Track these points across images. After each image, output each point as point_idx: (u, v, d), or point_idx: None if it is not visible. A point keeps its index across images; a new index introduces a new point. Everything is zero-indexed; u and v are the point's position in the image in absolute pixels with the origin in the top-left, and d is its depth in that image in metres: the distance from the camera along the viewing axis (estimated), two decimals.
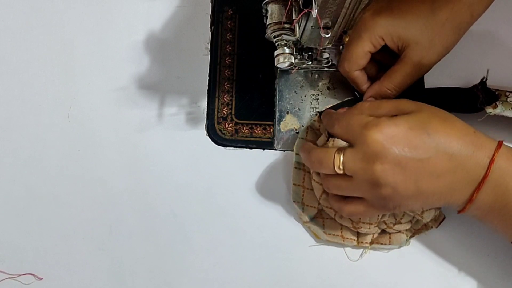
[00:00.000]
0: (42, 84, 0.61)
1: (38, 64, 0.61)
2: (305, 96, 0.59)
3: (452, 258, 0.55)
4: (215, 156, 0.58)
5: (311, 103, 0.59)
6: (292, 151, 0.57)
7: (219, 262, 0.56)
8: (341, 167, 0.47)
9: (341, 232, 0.55)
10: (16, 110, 0.60)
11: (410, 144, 0.45)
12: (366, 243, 0.55)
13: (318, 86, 0.59)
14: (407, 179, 0.46)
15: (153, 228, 0.57)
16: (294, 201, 0.56)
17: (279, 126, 0.59)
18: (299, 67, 0.59)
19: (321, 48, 0.54)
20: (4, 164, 0.59)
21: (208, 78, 0.60)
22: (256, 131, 0.59)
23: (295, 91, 0.59)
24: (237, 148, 0.59)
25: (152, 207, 0.57)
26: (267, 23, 0.49)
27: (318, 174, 0.53)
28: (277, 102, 0.59)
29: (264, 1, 0.49)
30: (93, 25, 0.62)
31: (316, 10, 0.45)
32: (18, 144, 0.59)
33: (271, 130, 0.59)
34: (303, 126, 0.58)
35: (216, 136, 0.59)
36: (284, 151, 0.58)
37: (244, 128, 0.59)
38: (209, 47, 0.61)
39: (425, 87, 0.58)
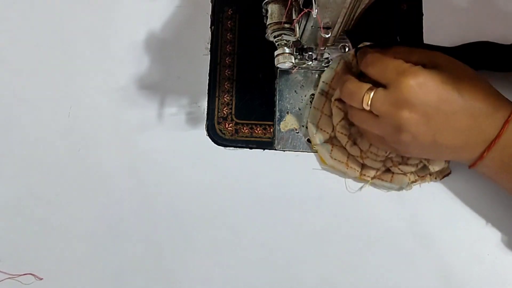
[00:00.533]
0: (43, 84, 0.61)
1: (39, 64, 0.61)
2: (305, 96, 0.59)
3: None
4: (215, 156, 0.58)
5: (311, 103, 0.59)
6: (293, 151, 0.58)
7: (219, 262, 0.56)
8: (369, 104, 0.49)
9: (347, 160, 0.56)
10: (17, 109, 0.60)
11: (440, 97, 0.47)
12: (368, 176, 0.56)
13: (318, 86, 0.59)
14: (428, 130, 0.48)
15: (153, 228, 0.57)
16: (310, 122, 0.57)
17: (279, 126, 0.59)
18: (299, 67, 0.59)
19: (321, 48, 0.54)
20: (4, 164, 0.59)
21: (208, 78, 0.60)
22: (256, 131, 0.59)
23: (295, 91, 0.59)
24: (237, 148, 0.59)
25: (152, 207, 0.57)
26: (267, 23, 0.49)
27: (341, 101, 0.55)
28: (277, 102, 0.59)
29: (264, 1, 0.49)
30: (93, 24, 0.62)
31: (316, 10, 0.45)
32: (18, 143, 0.59)
33: (271, 130, 0.59)
34: (303, 126, 0.58)
35: (216, 136, 0.59)
36: (284, 151, 0.58)
37: (244, 128, 0.59)
38: (209, 47, 0.61)
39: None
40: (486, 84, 0.49)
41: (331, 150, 0.57)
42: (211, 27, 0.61)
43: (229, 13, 0.61)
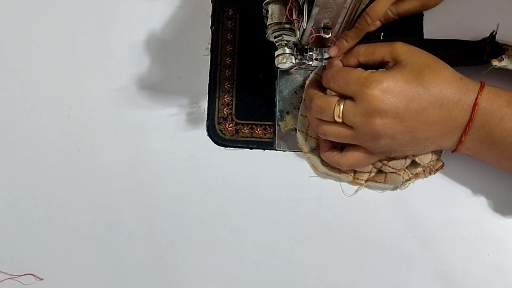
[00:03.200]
0: (43, 84, 0.61)
1: (39, 64, 0.61)
2: None
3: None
4: (216, 157, 0.58)
5: None
6: (293, 151, 0.58)
7: (219, 262, 0.56)
8: (340, 116, 0.50)
9: None
10: (17, 110, 0.60)
11: (407, 98, 0.48)
12: (362, 179, 0.56)
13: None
14: (404, 129, 0.49)
15: (154, 228, 0.57)
16: (298, 130, 0.57)
17: (279, 126, 0.59)
18: (299, 67, 0.58)
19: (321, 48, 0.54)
20: (4, 164, 0.59)
21: (208, 78, 0.60)
22: (257, 131, 0.59)
23: (295, 91, 0.59)
24: (238, 149, 0.59)
25: (152, 207, 0.57)
26: (268, 24, 0.49)
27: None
28: (277, 102, 0.59)
29: (265, 2, 0.49)
30: (93, 25, 0.62)
31: (306, 23, 0.46)
32: (19, 144, 0.59)
33: (272, 130, 0.59)
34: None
35: (217, 136, 0.59)
36: (284, 151, 0.58)
37: (245, 128, 0.59)
38: (209, 47, 0.61)
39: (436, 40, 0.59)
40: (449, 71, 0.50)
41: None
42: (211, 28, 0.61)
43: (230, 13, 0.61)
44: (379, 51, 0.51)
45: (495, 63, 0.54)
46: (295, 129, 0.58)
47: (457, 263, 0.55)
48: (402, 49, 0.50)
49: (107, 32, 0.62)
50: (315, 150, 0.57)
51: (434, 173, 0.56)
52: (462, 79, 0.49)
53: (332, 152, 0.55)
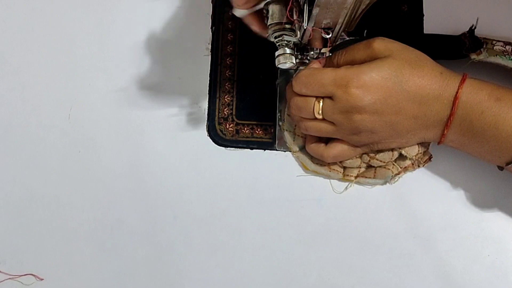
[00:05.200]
0: (43, 85, 0.61)
1: (39, 65, 0.61)
2: None
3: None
4: (216, 157, 0.58)
5: None
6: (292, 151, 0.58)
7: (219, 262, 0.56)
8: (320, 112, 0.51)
9: (329, 163, 0.57)
10: (17, 111, 0.60)
11: (384, 94, 0.48)
12: (352, 176, 0.56)
13: None
14: (384, 123, 0.50)
15: (154, 228, 0.57)
16: (286, 130, 0.57)
17: (280, 127, 0.59)
18: (299, 67, 0.58)
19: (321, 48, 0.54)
20: (5, 165, 0.59)
21: (209, 78, 0.60)
22: (257, 132, 0.59)
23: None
24: (238, 149, 0.59)
25: (153, 207, 0.57)
26: (268, 24, 0.49)
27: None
28: (278, 102, 0.59)
29: (265, 2, 0.49)
30: (93, 25, 0.62)
31: (307, 23, 0.46)
32: (19, 145, 0.59)
33: (272, 130, 0.59)
34: None
35: (217, 137, 0.59)
36: (285, 151, 0.58)
37: (245, 128, 0.59)
38: (209, 48, 0.61)
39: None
40: (429, 67, 0.50)
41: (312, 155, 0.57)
42: (211, 28, 0.61)
43: (230, 13, 0.61)
44: (359, 56, 0.51)
45: (474, 56, 0.55)
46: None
47: (457, 263, 0.55)
48: (379, 48, 0.50)
49: (108, 33, 0.62)
50: (304, 149, 0.57)
51: (423, 165, 0.56)
52: (443, 74, 0.49)
53: (318, 144, 0.55)
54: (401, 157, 0.55)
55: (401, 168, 0.56)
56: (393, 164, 0.56)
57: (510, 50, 0.55)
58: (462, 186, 0.56)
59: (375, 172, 0.56)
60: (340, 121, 0.50)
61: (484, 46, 0.56)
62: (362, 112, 0.49)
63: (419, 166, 0.56)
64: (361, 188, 0.57)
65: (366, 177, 0.56)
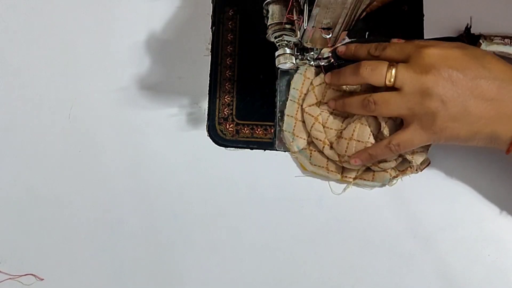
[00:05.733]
0: (43, 85, 0.61)
1: (39, 65, 0.61)
2: None
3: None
4: (216, 157, 0.58)
5: None
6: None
7: (220, 262, 0.56)
8: (392, 79, 0.49)
9: (327, 165, 0.56)
10: (17, 110, 0.60)
11: (462, 65, 0.47)
12: (350, 177, 0.56)
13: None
14: (456, 96, 0.47)
15: (154, 228, 0.57)
16: (285, 131, 0.57)
17: (280, 127, 0.59)
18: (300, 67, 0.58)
19: (322, 48, 0.54)
20: (5, 164, 0.59)
21: (209, 78, 0.60)
22: (257, 132, 0.59)
23: None
24: (238, 149, 0.59)
25: (153, 207, 0.57)
26: (268, 24, 0.49)
27: (312, 105, 0.56)
28: (277, 102, 0.59)
29: (265, 2, 0.49)
30: (94, 25, 0.62)
31: (307, 23, 0.46)
32: (19, 144, 0.59)
33: (272, 130, 0.59)
34: None
35: (217, 137, 0.59)
36: (285, 151, 0.58)
37: (245, 128, 0.59)
38: (210, 48, 0.61)
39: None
40: (503, 61, 0.49)
41: (310, 156, 0.57)
42: (212, 28, 0.61)
43: (230, 13, 0.61)
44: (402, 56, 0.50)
45: None
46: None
47: (457, 263, 0.55)
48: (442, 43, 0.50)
49: (108, 33, 0.62)
50: (303, 150, 0.57)
51: (421, 171, 0.56)
52: None
53: (379, 142, 0.53)
54: (403, 161, 0.55)
55: (399, 171, 0.56)
56: (392, 168, 0.55)
57: (509, 42, 0.55)
58: (462, 186, 0.56)
59: (373, 175, 0.56)
60: (411, 82, 0.48)
61: (483, 40, 0.56)
62: (437, 74, 0.47)
63: (416, 171, 0.56)
64: (361, 189, 0.57)
65: (364, 179, 0.56)
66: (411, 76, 0.48)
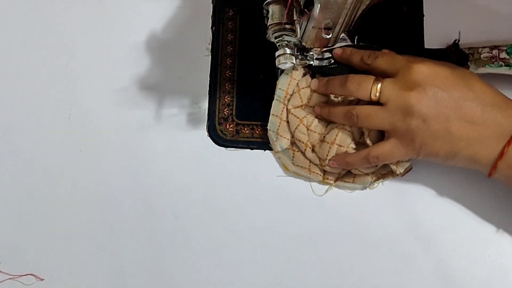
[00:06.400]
0: (43, 85, 0.61)
1: (39, 65, 0.61)
2: None
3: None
4: (216, 157, 0.58)
5: None
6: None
7: (220, 262, 0.56)
8: (377, 94, 0.49)
9: (309, 166, 0.57)
10: (17, 111, 0.60)
11: (448, 85, 0.47)
12: (331, 179, 0.56)
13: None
14: (439, 115, 0.47)
15: (154, 229, 0.57)
16: (269, 130, 0.57)
17: None
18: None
19: (322, 48, 0.54)
20: (5, 165, 0.59)
21: (209, 78, 0.60)
22: (257, 132, 0.59)
23: None
24: (238, 149, 0.59)
25: (153, 208, 0.57)
26: (268, 24, 0.49)
27: (298, 107, 0.56)
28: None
29: (265, 2, 0.49)
30: (94, 26, 0.62)
31: (307, 23, 0.46)
32: (19, 144, 0.59)
33: None
34: None
35: (217, 137, 0.59)
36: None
37: (245, 128, 0.59)
38: (210, 48, 0.61)
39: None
40: (490, 85, 0.49)
41: (293, 156, 0.57)
42: (212, 28, 0.61)
43: (230, 14, 0.61)
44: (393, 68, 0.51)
45: None
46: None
47: (457, 264, 0.55)
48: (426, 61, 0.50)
49: (108, 33, 0.62)
50: (286, 149, 0.57)
51: (402, 175, 0.56)
52: (507, 98, 0.48)
53: (359, 151, 0.53)
54: (384, 166, 0.55)
55: (380, 174, 0.56)
56: (373, 171, 0.56)
57: (497, 54, 0.54)
58: (462, 187, 0.56)
59: (354, 177, 0.56)
60: (395, 98, 0.48)
61: (471, 57, 0.55)
62: (421, 92, 0.47)
63: (398, 175, 0.56)
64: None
65: (345, 181, 0.56)
66: (396, 92, 0.48)
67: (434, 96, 0.47)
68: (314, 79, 0.56)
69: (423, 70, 0.48)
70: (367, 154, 0.52)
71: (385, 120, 0.49)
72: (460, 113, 0.47)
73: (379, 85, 0.49)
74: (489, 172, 0.48)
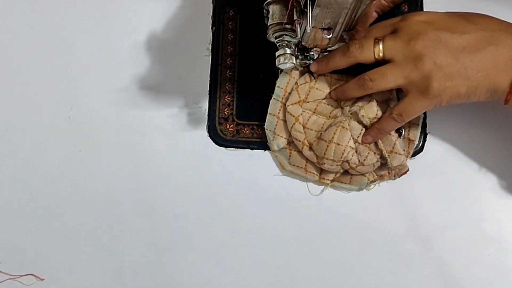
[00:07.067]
0: (43, 85, 0.61)
1: (39, 65, 0.61)
2: None
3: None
4: (216, 157, 0.58)
5: None
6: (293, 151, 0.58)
7: (220, 262, 0.56)
8: (380, 54, 0.49)
9: (305, 166, 0.56)
10: (17, 111, 0.60)
11: (449, 24, 0.48)
12: (328, 179, 0.56)
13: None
14: (448, 54, 0.47)
15: (154, 228, 0.57)
16: (266, 129, 0.57)
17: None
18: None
19: (322, 48, 0.54)
20: (5, 165, 0.59)
21: (209, 79, 0.60)
22: (257, 132, 0.59)
23: None
24: (238, 149, 0.59)
25: (153, 207, 0.57)
26: (268, 24, 0.49)
27: (295, 103, 0.56)
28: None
29: (265, 2, 0.49)
30: (94, 26, 0.62)
31: (307, 23, 0.46)
32: (19, 144, 0.59)
33: None
34: None
35: (217, 137, 0.59)
36: None
37: (245, 128, 0.59)
38: (210, 48, 0.61)
39: None
40: (488, 15, 0.49)
41: (289, 156, 0.57)
42: (212, 28, 0.61)
43: (230, 14, 0.61)
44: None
45: None
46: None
47: (457, 263, 0.55)
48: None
49: (108, 33, 0.62)
50: (283, 149, 0.57)
51: (399, 177, 0.56)
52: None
53: (383, 115, 0.53)
54: (380, 165, 0.55)
55: (377, 176, 0.56)
56: (370, 172, 0.56)
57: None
58: (462, 186, 0.56)
59: (351, 178, 0.56)
60: (400, 52, 0.48)
61: None
62: (425, 39, 0.47)
63: (395, 177, 0.56)
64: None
65: (341, 182, 0.56)
66: (400, 46, 0.48)
67: (438, 38, 0.47)
68: (312, 63, 0.55)
69: (419, 19, 0.48)
70: (390, 113, 0.51)
71: (397, 75, 0.49)
72: (469, 46, 0.47)
73: (381, 44, 0.49)
74: (506, 99, 0.47)
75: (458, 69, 0.47)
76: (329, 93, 0.56)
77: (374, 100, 0.53)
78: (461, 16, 0.49)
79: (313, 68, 0.55)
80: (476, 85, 0.47)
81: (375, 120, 0.53)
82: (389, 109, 0.53)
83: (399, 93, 0.54)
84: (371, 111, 0.53)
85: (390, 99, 0.54)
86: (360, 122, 0.54)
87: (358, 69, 0.53)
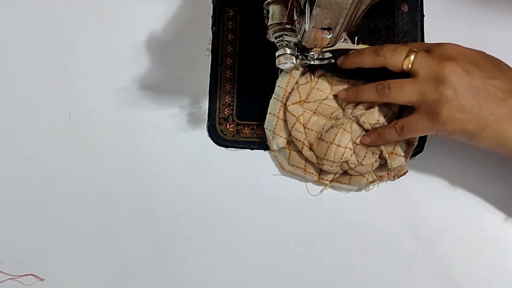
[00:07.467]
0: (43, 85, 0.61)
1: (39, 65, 0.61)
2: None
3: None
4: (216, 157, 0.58)
5: None
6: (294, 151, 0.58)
7: (220, 262, 0.56)
8: (410, 65, 0.49)
9: (305, 166, 0.56)
10: (17, 111, 0.60)
11: (480, 63, 0.48)
12: (327, 180, 0.56)
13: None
14: (470, 88, 0.47)
15: (155, 228, 0.57)
16: (266, 128, 0.57)
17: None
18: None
19: (322, 48, 0.54)
20: (5, 165, 0.59)
21: (209, 79, 0.60)
22: (258, 132, 0.59)
23: None
24: (239, 149, 0.59)
25: (153, 207, 0.57)
26: (268, 24, 0.49)
27: (296, 103, 0.56)
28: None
29: (265, 2, 0.49)
30: (94, 26, 0.62)
31: (307, 23, 0.46)
32: (19, 144, 0.59)
33: None
34: None
35: (217, 137, 0.59)
36: None
37: (246, 128, 0.59)
38: (210, 48, 0.61)
39: None
40: None
41: (289, 156, 0.57)
42: (212, 28, 0.61)
43: (230, 14, 0.61)
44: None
45: None
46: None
47: (458, 263, 0.55)
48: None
49: (108, 33, 0.62)
50: (282, 148, 0.57)
51: (398, 178, 0.56)
52: None
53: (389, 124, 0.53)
54: (379, 166, 0.55)
55: (376, 176, 0.56)
56: (369, 172, 0.56)
57: None
58: (462, 187, 0.56)
59: (350, 179, 0.56)
60: (427, 68, 0.48)
61: None
62: (455, 64, 0.47)
63: (394, 178, 0.56)
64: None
65: (340, 182, 0.56)
66: (430, 62, 0.49)
67: (467, 69, 0.47)
68: (341, 57, 0.54)
69: (456, 47, 0.49)
70: (394, 124, 0.52)
71: (414, 90, 0.49)
72: (491, 89, 0.47)
73: (413, 56, 0.49)
74: None
75: (473, 105, 0.47)
76: (338, 92, 0.56)
77: (376, 107, 0.54)
78: (492, 60, 0.49)
79: (339, 62, 0.55)
80: (484, 127, 0.47)
81: (376, 125, 0.54)
82: (390, 111, 0.54)
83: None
84: (372, 118, 0.53)
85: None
86: (361, 126, 0.54)
87: (361, 76, 0.54)
